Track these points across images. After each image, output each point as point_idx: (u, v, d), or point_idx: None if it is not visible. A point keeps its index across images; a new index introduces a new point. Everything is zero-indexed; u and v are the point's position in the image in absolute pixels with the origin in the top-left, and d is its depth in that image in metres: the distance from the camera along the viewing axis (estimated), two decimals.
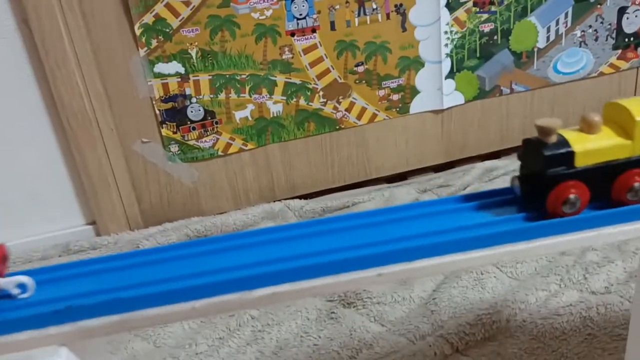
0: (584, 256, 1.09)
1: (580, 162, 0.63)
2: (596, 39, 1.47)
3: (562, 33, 1.44)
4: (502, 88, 1.46)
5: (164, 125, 1.28)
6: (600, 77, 1.52)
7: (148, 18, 1.18)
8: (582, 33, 1.45)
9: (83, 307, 0.50)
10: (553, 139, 0.63)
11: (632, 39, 1.49)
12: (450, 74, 1.41)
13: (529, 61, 1.45)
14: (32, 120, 1.22)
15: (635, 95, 1.57)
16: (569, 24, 1.43)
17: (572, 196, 0.62)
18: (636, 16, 1.47)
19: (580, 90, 1.52)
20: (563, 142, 0.63)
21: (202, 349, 1.00)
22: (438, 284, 1.08)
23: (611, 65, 1.51)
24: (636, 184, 0.64)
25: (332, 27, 1.29)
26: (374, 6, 1.29)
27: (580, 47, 1.47)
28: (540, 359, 0.90)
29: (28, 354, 0.50)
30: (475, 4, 1.36)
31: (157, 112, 1.27)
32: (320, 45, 1.30)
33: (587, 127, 0.64)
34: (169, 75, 1.24)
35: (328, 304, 1.07)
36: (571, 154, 0.63)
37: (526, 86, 1.47)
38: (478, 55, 1.40)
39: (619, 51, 1.50)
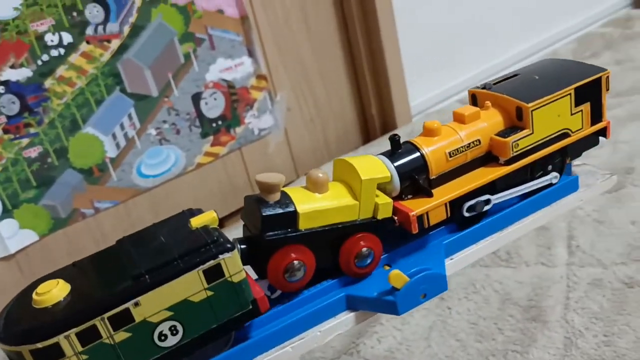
0: None
1: (304, 225, 0.54)
2: (178, 132, 1.34)
3: (133, 136, 1.29)
4: (82, 210, 1.27)
5: None
6: (202, 168, 1.40)
7: None
8: (158, 130, 1.32)
9: None
10: (276, 197, 0.54)
11: (219, 122, 1.39)
12: (6, 213, 1.19)
13: (104, 174, 1.28)
14: None
15: (249, 174, 1.47)
16: (138, 125, 1.29)
17: (295, 262, 0.54)
18: (215, 99, 1.37)
19: (183, 186, 1.39)
20: (286, 201, 0.54)
21: None
22: None
23: (208, 154, 1.40)
24: (364, 250, 0.56)
25: None
26: None
27: (161, 144, 1.33)
28: None
29: None
30: (6, 131, 1.16)
31: None
32: None
33: (312, 185, 0.56)
34: None
35: None
36: (294, 215, 0.54)
37: (113, 200, 1.30)
38: (35, 184, 1.20)
39: (211, 138, 1.39)
